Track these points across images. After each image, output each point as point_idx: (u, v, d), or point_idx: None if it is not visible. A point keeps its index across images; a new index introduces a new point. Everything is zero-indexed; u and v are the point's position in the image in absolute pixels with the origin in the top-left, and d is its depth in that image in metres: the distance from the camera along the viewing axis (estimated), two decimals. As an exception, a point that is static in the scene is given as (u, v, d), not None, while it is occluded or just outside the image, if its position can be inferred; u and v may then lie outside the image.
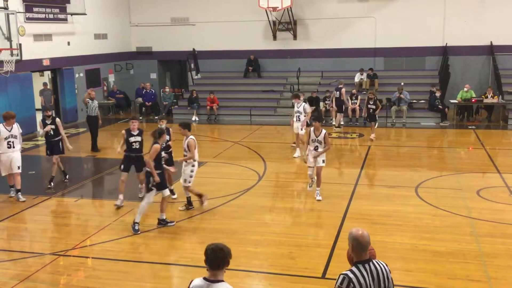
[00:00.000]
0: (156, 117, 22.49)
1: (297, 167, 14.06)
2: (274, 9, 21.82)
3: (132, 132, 10.73)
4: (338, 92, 19.68)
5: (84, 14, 21.42)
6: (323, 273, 7.74)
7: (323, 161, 10.95)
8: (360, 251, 4.30)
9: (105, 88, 23.94)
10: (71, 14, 21.14)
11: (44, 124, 12.50)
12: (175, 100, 23.58)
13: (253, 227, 9.68)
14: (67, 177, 12.95)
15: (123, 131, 10.75)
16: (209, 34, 24.36)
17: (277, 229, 9.60)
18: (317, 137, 10.80)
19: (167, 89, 23.69)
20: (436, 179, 12.60)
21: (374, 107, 16.79)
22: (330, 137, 17.53)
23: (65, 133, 19.23)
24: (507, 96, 20.07)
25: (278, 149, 16.23)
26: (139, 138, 10.80)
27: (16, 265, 8.30)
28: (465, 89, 20.26)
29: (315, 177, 11.03)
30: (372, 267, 4.28)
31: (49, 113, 12.68)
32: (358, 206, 10.55)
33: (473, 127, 19.02)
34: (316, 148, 10.84)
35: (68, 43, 21.33)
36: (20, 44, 17.62)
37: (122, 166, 10.88)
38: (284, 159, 14.89)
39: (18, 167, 11.42)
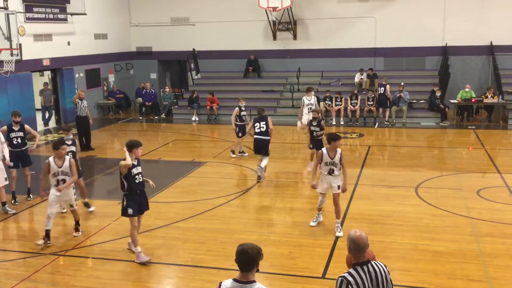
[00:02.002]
0: (156, 117, 22.53)
1: (297, 167, 14.06)
2: (274, 9, 21.81)
3: (134, 163, 8.19)
4: (382, 88, 20.19)
5: (84, 14, 21.44)
6: (323, 273, 7.74)
7: (339, 187, 9.20)
8: (357, 253, 4.28)
9: (105, 88, 23.95)
10: (71, 14, 21.15)
11: (10, 131, 11.26)
12: (175, 100, 23.59)
13: (253, 227, 9.68)
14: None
15: (127, 163, 8.02)
16: (209, 34, 24.37)
17: (277, 229, 9.60)
18: (332, 159, 9.05)
19: (167, 89, 23.69)
20: (436, 179, 12.60)
21: (318, 129, 12.74)
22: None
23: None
24: (507, 96, 20.06)
25: (278, 149, 16.22)
26: (140, 169, 8.32)
27: (16, 265, 8.30)
28: (466, 89, 20.26)
29: (320, 214, 9.59)
30: (371, 269, 4.26)
31: (18, 119, 11.34)
32: (358, 206, 10.55)
33: (473, 127, 19.02)
34: (331, 172, 9.13)
35: (68, 43, 21.34)
36: (20, 44, 17.64)
37: (130, 210, 8.16)
38: (284, 159, 14.89)
39: (6, 179, 10.60)
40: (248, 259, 4.09)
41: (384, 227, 9.41)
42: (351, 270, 4.25)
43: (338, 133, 9.62)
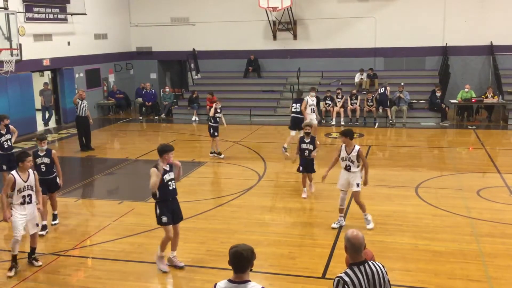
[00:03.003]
0: (156, 117, 22.53)
1: (297, 167, 14.03)
2: (274, 9, 21.81)
3: (166, 168, 7.70)
4: (383, 88, 20.40)
5: (84, 14, 21.44)
6: (323, 273, 7.74)
7: (358, 185, 9.19)
8: (354, 253, 4.27)
9: (105, 88, 23.94)
10: (71, 14, 21.15)
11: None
12: (175, 100, 23.59)
13: (253, 227, 9.68)
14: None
15: (156, 170, 7.51)
16: (209, 34, 24.37)
17: (277, 229, 9.60)
18: (348, 155, 9.13)
19: (167, 89, 23.69)
20: (436, 179, 12.60)
21: (311, 147, 10.97)
22: (331, 137, 17.59)
23: (65, 133, 19.53)
24: (507, 96, 20.06)
25: (278, 149, 16.20)
26: (173, 175, 7.83)
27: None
28: (466, 89, 20.26)
29: (342, 218, 9.46)
30: (368, 269, 4.25)
31: (7, 121, 11.22)
32: (358, 208, 10.52)
33: (473, 127, 19.02)
34: (347, 168, 9.18)
35: (68, 43, 21.34)
36: (20, 44, 17.63)
37: (164, 219, 7.75)
38: (284, 159, 14.88)
39: None
40: (243, 260, 4.12)
41: (384, 227, 9.41)
42: (348, 270, 4.24)
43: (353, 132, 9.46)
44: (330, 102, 20.56)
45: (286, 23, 23.32)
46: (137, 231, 9.48)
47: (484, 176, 13.03)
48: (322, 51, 23.29)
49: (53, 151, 9.68)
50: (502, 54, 21.28)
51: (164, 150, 7.65)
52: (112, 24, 24.18)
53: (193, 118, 21.61)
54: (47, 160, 9.54)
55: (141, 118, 22.56)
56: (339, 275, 4.23)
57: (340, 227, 9.42)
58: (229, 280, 4.16)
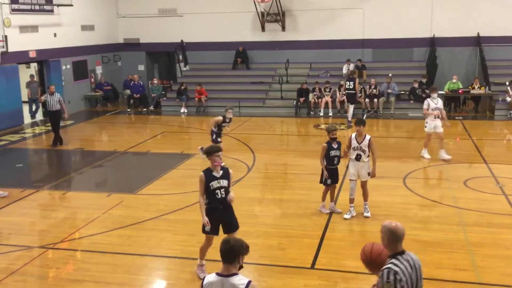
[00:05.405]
0: (144, 109, 22.42)
1: (286, 158, 14.08)
2: (262, 0, 21.72)
3: (215, 174, 7.15)
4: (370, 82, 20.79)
5: (71, 5, 21.21)
6: (312, 263, 7.78)
7: (369, 174, 9.41)
8: (394, 244, 4.37)
9: (92, 80, 23.76)
10: (58, 5, 20.90)
11: None
12: (163, 92, 23.47)
13: (243, 218, 9.61)
14: None
15: (202, 174, 7.13)
16: (197, 26, 24.23)
17: (266, 220, 9.63)
18: (359, 144, 9.20)
19: (155, 81, 23.54)
20: (423, 169, 12.69)
21: (338, 153, 9.60)
22: (318, 128, 17.62)
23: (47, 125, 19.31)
24: (493, 87, 20.21)
25: (267, 141, 16.25)
26: (225, 183, 7.13)
27: (4, 258, 8.25)
28: (453, 80, 20.39)
29: (353, 208, 9.57)
30: (409, 258, 4.38)
31: None
32: (346, 197, 10.50)
33: (460, 117, 19.15)
34: (358, 158, 9.27)
35: (55, 35, 21.10)
36: (5, 36, 17.46)
37: (206, 228, 7.10)
38: (273, 150, 14.91)
39: None
40: (229, 249, 4.15)
41: (373, 218, 9.47)
42: (394, 260, 4.32)
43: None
44: (318, 93, 20.53)
45: (274, 15, 23.25)
46: (125, 224, 9.46)
47: (471, 167, 13.14)
48: (310, 42, 23.26)
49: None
50: (489, 45, 21.38)
51: (208, 151, 7.10)
52: (99, 15, 23.95)
53: (182, 110, 21.54)
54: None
55: (129, 110, 22.44)
56: (387, 266, 4.30)
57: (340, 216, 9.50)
58: (217, 274, 4.20)
